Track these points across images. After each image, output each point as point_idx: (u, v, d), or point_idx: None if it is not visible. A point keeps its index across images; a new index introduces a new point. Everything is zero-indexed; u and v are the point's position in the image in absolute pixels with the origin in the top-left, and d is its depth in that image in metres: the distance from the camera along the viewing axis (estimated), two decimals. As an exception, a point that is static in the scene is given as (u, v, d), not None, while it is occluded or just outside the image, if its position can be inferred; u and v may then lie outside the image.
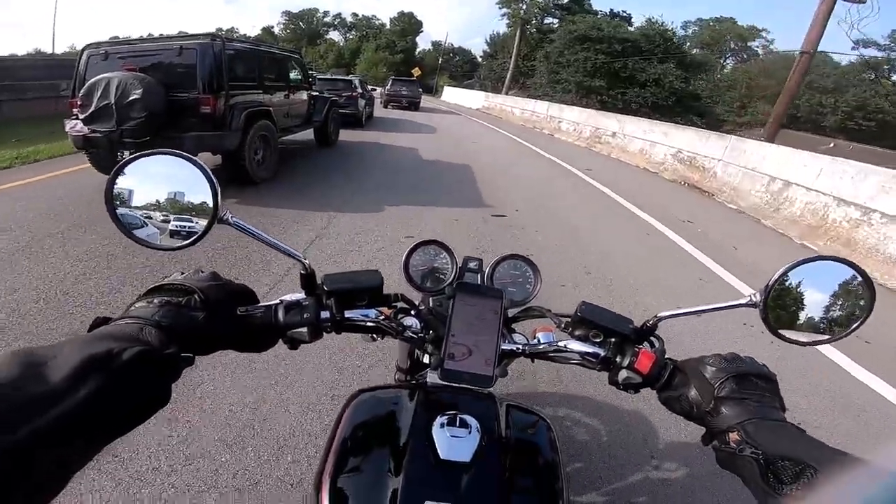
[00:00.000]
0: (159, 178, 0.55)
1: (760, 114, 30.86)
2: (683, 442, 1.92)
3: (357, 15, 65.85)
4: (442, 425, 0.58)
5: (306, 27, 64.45)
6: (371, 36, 60.48)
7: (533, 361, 0.71)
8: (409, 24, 59.33)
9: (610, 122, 12.27)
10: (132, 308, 0.49)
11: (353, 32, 64.28)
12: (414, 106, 20.56)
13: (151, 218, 0.55)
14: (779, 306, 0.57)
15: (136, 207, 0.55)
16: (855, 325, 0.57)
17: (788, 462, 0.42)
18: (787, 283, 0.57)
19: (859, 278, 0.56)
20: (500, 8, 40.58)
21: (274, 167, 5.74)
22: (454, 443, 0.57)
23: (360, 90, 12.23)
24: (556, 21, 38.46)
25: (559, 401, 2.11)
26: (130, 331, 0.44)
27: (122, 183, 0.54)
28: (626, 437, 1.93)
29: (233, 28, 70.93)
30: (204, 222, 0.55)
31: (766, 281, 0.56)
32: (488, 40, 48.97)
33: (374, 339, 0.73)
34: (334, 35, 65.85)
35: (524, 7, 38.54)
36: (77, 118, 4.40)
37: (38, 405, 0.33)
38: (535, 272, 0.84)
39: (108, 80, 4.23)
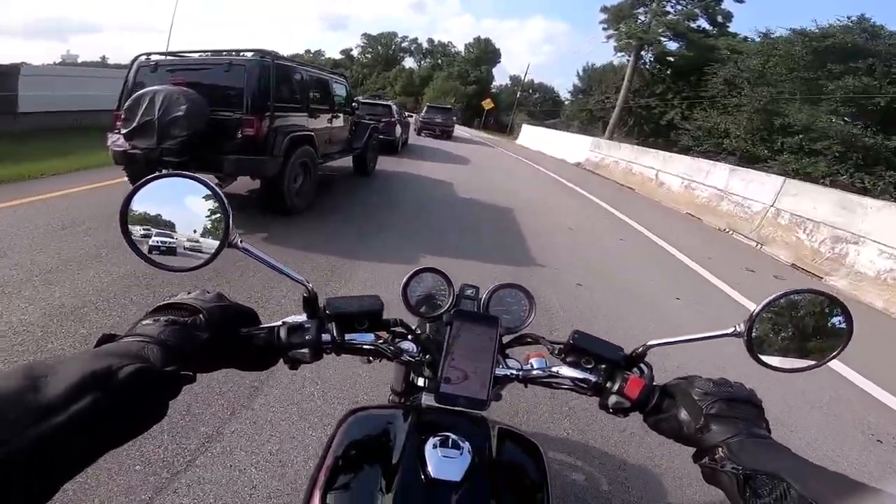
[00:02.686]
0: (174, 201, 0.61)
1: None
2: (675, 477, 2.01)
3: (433, 41, 68.63)
4: (434, 446, 0.63)
5: (384, 51, 68.48)
6: (445, 64, 61.82)
7: (526, 386, 0.78)
8: (484, 52, 58.68)
9: None
10: (138, 326, 0.54)
11: (427, 59, 67.17)
12: (446, 135, 21.89)
13: (165, 241, 0.61)
14: (762, 335, 0.66)
15: (150, 230, 0.61)
16: (835, 353, 0.65)
17: (765, 477, 0.47)
18: (770, 314, 0.65)
19: (838, 309, 0.65)
20: (604, 29, 32.50)
21: (312, 197, 5.79)
22: (445, 462, 0.61)
23: (397, 116, 13.00)
24: (680, 45, 29.99)
25: (551, 426, 2.24)
26: (134, 348, 0.49)
27: (137, 205, 0.60)
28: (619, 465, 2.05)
29: (320, 50, 77.16)
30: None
31: (750, 313, 0.64)
32: (580, 73, 44.89)
33: (370, 362, 0.79)
34: (409, 61, 69.17)
35: (645, 24, 30.06)
36: (119, 132, 4.62)
37: (34, 416, 0.37)
38: (531, 300, 0.91)
39: (153, 94, 4.40)
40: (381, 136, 9.80)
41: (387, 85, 61.59)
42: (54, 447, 0.37)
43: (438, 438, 0.64)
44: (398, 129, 12.83)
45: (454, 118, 23.50)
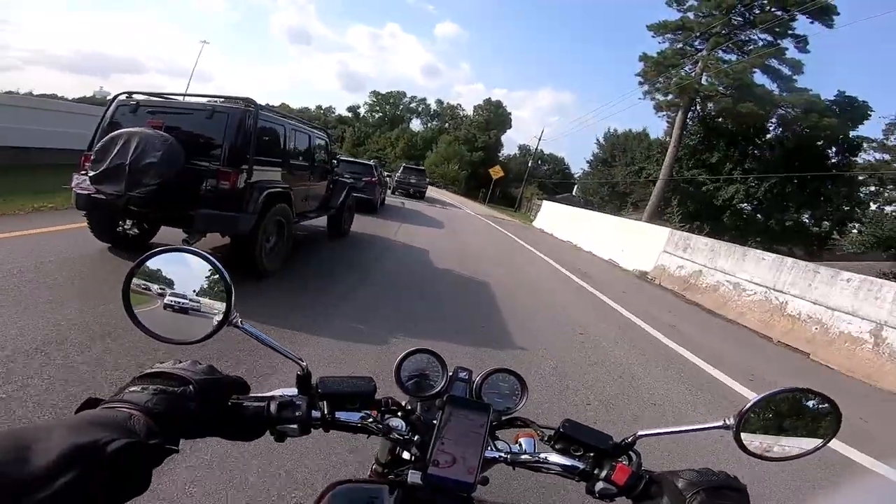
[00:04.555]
0: (177, 275, 0.69)
1: None
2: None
3: (442, 102, 69.80)
4: None
5: (391, 110, 70.62)
6: (452, 127, 61.86)
7: (514, 468, 0.84)
8: (495, 114, 58.16)
9: None
10: (125, 392, 0.58)
11: (435, 121, 68.64)
12: (419, 194, 24.68)
13: (164, 313, 0.69)
14: (751, 427, 0.74)
15: (151, 302, 0.68)
16: (821, 443, 0.74)
17: None
18: (760, 408, 0.73)
19: (827, 405, 0.73)
20: (640, 83, 27.86)
21: (284, 258, 5.74)
22: None
23: (378, 176, 13.95)
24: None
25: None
26: (120, 418, 0.51)
27: (140, 279, 0.67)
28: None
29: (330, 107, 79.85)
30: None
31: (741, 407, 0.72)
32: (600, 140, 41.15)
33: (368, 436, 0.83)
34: (416, 123, 70.43)
35: (696, 75, 25.16)
36: (85, 174, 4.58)
37: (18, 489, 0.38)
38: (523, 385, 0.98)
39: (128, 136, 4.39)
40: (360, 196, 10.28)
41: (387, 146, 61.87)
42: None
43: None
44: (378, 190, 13.63)
45: (427, 180, 27.00)
